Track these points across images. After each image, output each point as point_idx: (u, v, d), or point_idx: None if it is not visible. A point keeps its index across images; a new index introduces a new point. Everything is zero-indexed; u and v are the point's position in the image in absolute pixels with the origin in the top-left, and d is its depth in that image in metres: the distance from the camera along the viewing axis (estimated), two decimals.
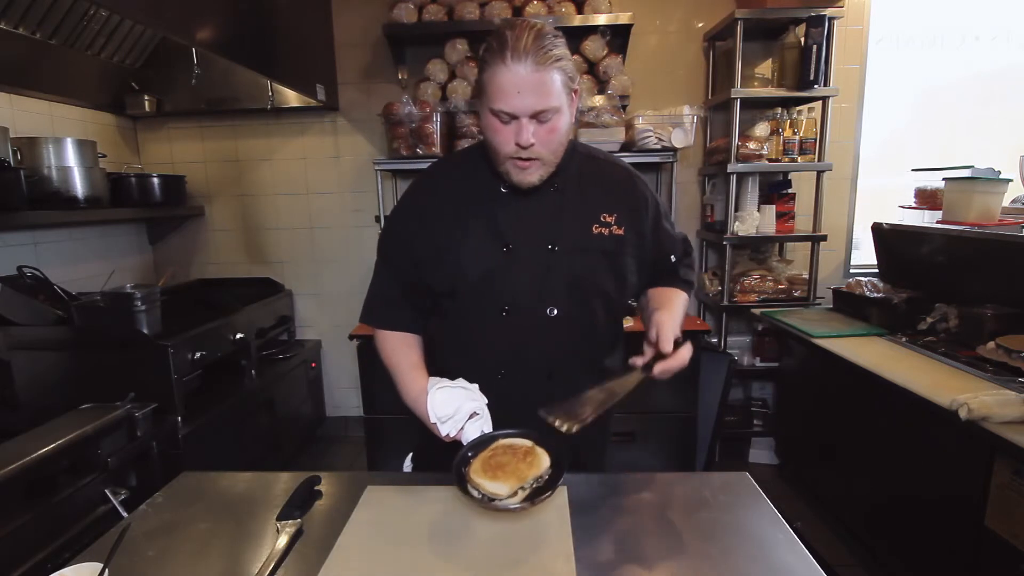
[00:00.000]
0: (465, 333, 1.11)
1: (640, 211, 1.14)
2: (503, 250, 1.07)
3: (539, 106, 0.95)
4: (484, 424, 0.99)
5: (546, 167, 1.04)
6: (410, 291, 1.15)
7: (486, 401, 1.00)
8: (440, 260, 1.09)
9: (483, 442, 0.98)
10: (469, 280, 1.07)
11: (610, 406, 0.93)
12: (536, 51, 0.93)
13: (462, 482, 0.90)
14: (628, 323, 2.03)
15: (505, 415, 1.08)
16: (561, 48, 0.97)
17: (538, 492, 0.88)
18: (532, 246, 1.08)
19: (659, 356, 0.97)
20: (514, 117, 0.97)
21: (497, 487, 0.87)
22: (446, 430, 0.98)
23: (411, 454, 1.28)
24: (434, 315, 1.16)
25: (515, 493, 0.87)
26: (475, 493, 0.88)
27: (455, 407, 0.97)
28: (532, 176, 1.03)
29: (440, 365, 1.10)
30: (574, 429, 0.87)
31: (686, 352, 0.98)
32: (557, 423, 0.88)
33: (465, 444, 0.98)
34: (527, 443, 0.96)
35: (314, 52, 2.75)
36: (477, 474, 0.90)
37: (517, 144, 0.98)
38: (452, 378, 1.03)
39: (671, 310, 1.10)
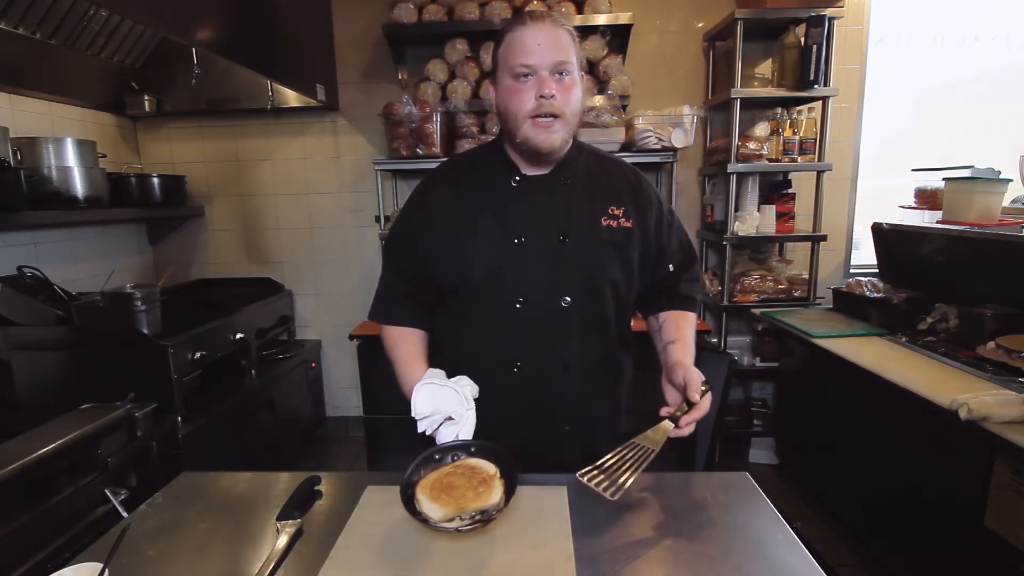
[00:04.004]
0: (479, 328, 1.12)
1: (646, 209, 1.16)
2: (515, 243, 1.08)
3: (559, 57, 1.01)
4: (462, 430, 0.98)
5: (566, 129, 1.05)
6: (416, 288, 1.17)
7: (472, 407, 1.00)
8: (449, 256, 1.11)
9: (452, 449, 0.97)
10: (482, 274, 1.08)
11: (647, 465, 0.91)
12: (552, 15, 1.04)
13: (407, 490, 0.89)
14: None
15: (523, 409, 1.09)
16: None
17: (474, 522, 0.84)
18: (543, 238, 1.09)
19: (687, 404, 0.99)
20: (533, 74, 1.01)
21: (432, 510, 0.85)
22: (421, 428, 1.00)
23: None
24: (442, 312, 1.17)
25: (450, 520, 0.84)
26: (416, 506, 0.87)
27: (433, 408, 0.98)
28: (554, 136, 1.03)
29: (454, 362, 1.10)
30: (616, 496, 0.86)
31: (707, 401, 0.99)
32: (602, 489, 0.87)
33: (438, 444, 0.99)
34: (490, 469, 0.93)
35: (314, 52, 2.74)
36: (423, 489, 0.89)
37: (540, 97, 1.00)
38: (466, 372, 1.04)
39: (687, 347, 1.11)
